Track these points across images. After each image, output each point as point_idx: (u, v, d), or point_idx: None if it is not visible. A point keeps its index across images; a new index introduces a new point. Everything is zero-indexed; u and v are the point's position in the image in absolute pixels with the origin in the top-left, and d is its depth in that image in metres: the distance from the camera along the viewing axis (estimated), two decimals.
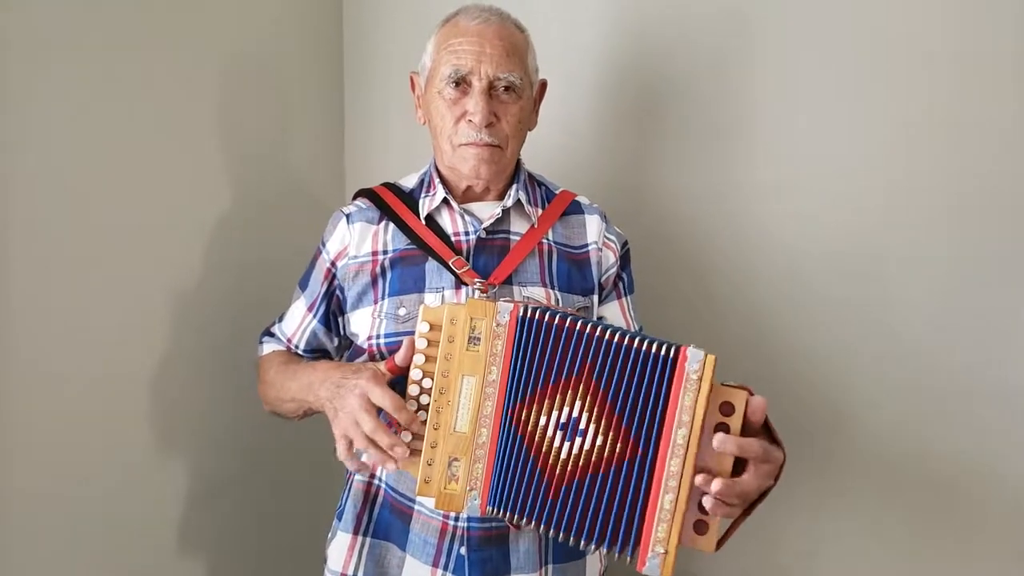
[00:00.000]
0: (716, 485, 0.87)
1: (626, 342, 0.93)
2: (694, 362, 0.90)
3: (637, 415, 0.92)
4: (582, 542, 0.94)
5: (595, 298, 1.19)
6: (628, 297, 1.24)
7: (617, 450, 0.92)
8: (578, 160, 1.57)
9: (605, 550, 0.94)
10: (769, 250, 1.42)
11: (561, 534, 0.94)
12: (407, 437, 0.97)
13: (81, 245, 1.23)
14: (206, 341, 1.46)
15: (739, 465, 0.91)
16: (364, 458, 1.01)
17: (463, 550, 1.10)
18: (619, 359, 0.93)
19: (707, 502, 0.89)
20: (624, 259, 1.24)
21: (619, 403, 0.92)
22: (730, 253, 1.45)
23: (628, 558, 0.93)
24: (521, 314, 0.96)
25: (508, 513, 0.96)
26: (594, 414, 0.93)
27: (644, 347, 0.92)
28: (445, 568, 1.10)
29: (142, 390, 1.34)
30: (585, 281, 1.18)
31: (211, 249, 1.46)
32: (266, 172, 1.60)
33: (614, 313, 1.22)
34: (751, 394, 0.91)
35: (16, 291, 1.15)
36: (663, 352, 0.92)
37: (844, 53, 1.33)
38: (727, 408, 0.90)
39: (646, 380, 0.92)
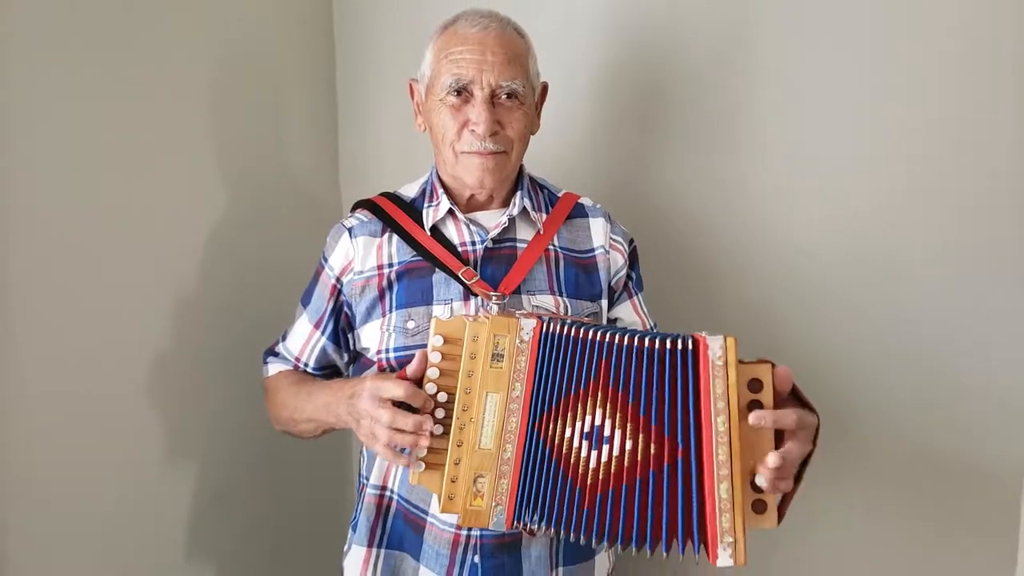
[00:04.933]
0: (773, 460, 0.89)
1: (637, 343, 0.94)
2: (716, 348, 0.91)
3: (667, 413, 0.92)
4: (634, 548, 0.93)
5: (603, 303, 1.19)
6: (639, 295, 1.25)
7: (653, 452, 0.93)
8: (578, 160, 1.56)
9: (665, 553, 0.93)
10: (775, 249, 1.43)
11: (619, 545, 0.94)
12: (438, 431, 0.97)
13: (80, 251, 1.21)
14: (210, 345, 1.45)
15: (777, 436, 0.93)
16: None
17: (476, 559, 1.10)
18: (632, 362, 0.94)
19: (762, 480, 0.91)
20: (632, 258, 1.25)
21: (643, 405, 0.93)
22: (735, 252, 1.46)
23: (696, 555, 0.92)
24: (545, 330, 0.96)
25: (540, 526, 0.96)
26: (617, 420, 0.93)
27: (658, 346, 0.93)
28: None
29: (147, 396, 1.33)
30: (593, 287, 1.18)
31: (210, 254, 1.45)
32: (260, 176, 1.58)
33: (627, 313, 1.23)
34: (773, 366, 0.92)
35: (17, 299, 1.13)
36: (680, 346, 0.93)
37: (848, 53, 1.33)
38: (756, 385, 0.92)
39: (668, 377, 0.93)
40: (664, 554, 0.93)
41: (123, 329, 1.28)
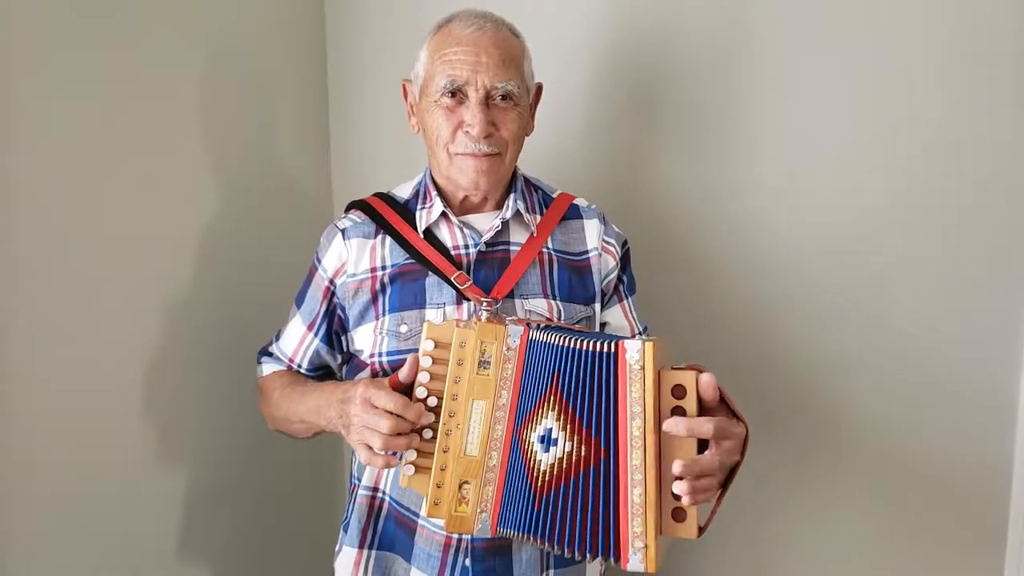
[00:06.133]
0: (676, 467, 0.87)
1: (575, 345, 0.94)
2: (634, 352, 0.90)
3: (594, 416, 0.92)
4: (566, 551, 0.93)
5: (596, 307, 1.18)
6: (630, 298, 1.24)
7: (583, 454, 0.93)
8: (572, 159, 1.55)
9: (589, 557, 0.93)
10: (768, 249, 1.42)
11: (555, 547, 0.94)
12: (427, 434, 0.98)
13: (72, 250, 1.21)
14: (202, 345, 1.45)
15: (705, 447, 0.92)
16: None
17: (467, 561, 1.10)
18: (573, 363, 0.94)
19: (676, 487, 0.89)
20: (624, 260, 1.24)
21: (578, 407, 0.93)
22: (728, 252, 1.45)
23: (613, 561, 0.92)
24: (532, 337, 0.96)
25: (516, 532, 0.96)
26: (562, 422, 0.94)
27: (589, 347, 0.93)
28: None
29: (140, 397, 1.33)
30: (586, 290, 1.17)
31: (202, 254, 1.44)
32: (252, 176, 1.57)
33: (616, 317, 1.22)
34: (701, 372, 0.91)
35: (10, 298, 1.13)
36: (605, 349, 0.93)
37: (843, 51, 1.33)
38: (679, 391, 0.91)
39: (596, 380, 0.93)
40: (588, 556, 0.93)
41: (115, 329, 1.28)
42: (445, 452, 0.96)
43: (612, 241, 1.22)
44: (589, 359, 0.93)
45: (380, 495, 1.16)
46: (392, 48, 1.68)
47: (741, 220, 1.44)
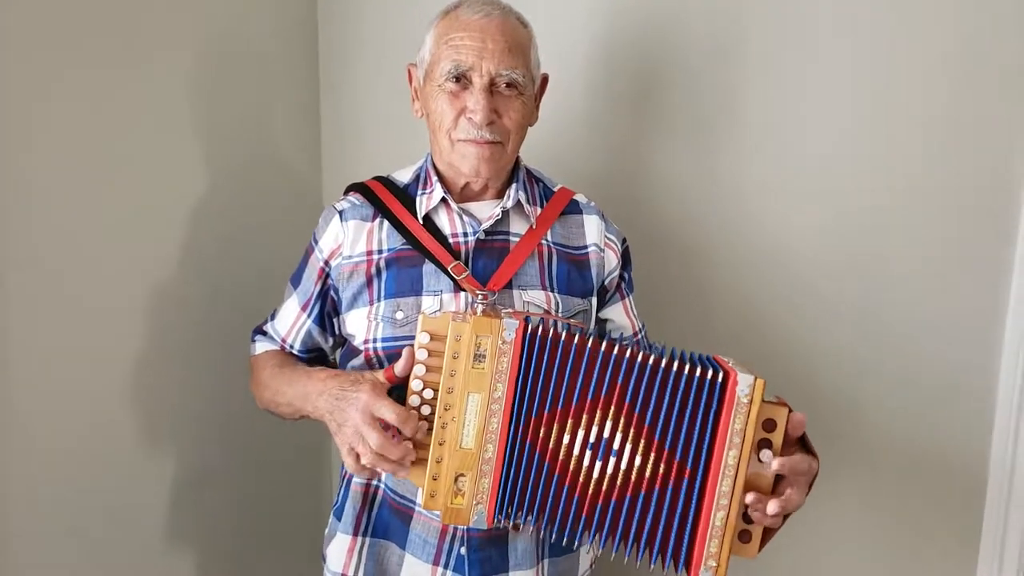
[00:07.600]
0: (772, 508, 0.91)
1: (664, 364, 0.94)
2: (744, 387, 0.92)
3: (683, 438, 0.94)
4: (627, 554, 0.97)
5: (593, 300, 1.18)
6: (630, 297, 1.24)
7: (661, 471, 0.94)
8: (571, 153, 1.54)
9: (652, 564, 0.96)
10: (764, 244, 1.42)
11: (603, 543, 0.97)
12: (412, 456, 0.97)
13: (60, 237, 1.20)
14: (190, 329, 1.44)
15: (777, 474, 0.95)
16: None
17: (463, 550, 1.11)
18: (656, 382, 0.94)
19: (756, 517, 0.93)
20: (625, 258, 1.23)
21: (659, 426, 0.94)
22: (725, 247, 1.45)
23: (676, 572, 0.96)
24: (527, 331, 0.95)
25: (527, 520, 0.97)
26: (629, 435, 0.95)
27: (687, 371, 0.94)
28: (445, 566, 1.11)
29: (126, 381, 1.32)
30: (585, 283, 1.17)
31: (191, 236, 1.43)
32: (241, 160, 1.55)
33: (618, 315, 1.22)
34: (790, 410, 0.94)
35: (3, 279, 1.12)
36: (709, 376, 0.93)
37: (845, 52, 1.32)
38: (770, 424, 0.94)
39: (691, 404, 0.93)
40: (650, 565, 0.96)
41: (103, 315, 1.26)
42: (441, 444, 0.96)
43: (614, 239, 1.21)
44: (684, 381, 0.94)
45: (375, 483, 1.16)
46: (384, 29, 1.66)
47: (740, 215, 1.43)
